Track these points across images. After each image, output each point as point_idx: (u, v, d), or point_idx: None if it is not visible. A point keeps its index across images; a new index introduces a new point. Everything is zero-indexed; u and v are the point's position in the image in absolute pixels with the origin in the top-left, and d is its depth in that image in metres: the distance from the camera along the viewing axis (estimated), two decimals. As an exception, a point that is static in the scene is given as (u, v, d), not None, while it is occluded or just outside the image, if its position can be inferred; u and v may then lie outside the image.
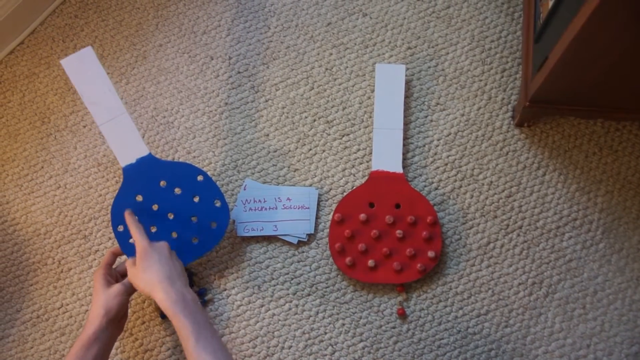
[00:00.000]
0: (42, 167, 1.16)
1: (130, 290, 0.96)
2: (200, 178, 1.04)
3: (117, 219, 1.02)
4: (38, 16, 1.23)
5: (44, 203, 1.14)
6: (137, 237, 0.94)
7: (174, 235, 1.03)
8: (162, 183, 1.03)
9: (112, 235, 1.11)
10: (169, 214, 1.03)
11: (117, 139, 1.02)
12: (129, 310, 1.07)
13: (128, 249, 1.02)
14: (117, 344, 1.06)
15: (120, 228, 1.02)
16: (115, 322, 0.94)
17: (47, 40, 1.23)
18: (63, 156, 1.16)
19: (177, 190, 1.04)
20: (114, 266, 1.01)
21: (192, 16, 1.23)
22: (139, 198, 1.02)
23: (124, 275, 1.00)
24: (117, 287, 0.94)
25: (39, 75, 1.21)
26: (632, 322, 1.03)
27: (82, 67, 1.01)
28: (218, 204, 1.04)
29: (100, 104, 1.01)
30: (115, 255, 1.02)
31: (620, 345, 1.03)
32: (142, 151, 1.02)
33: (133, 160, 1.02)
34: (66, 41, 1.23)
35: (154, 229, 1.03)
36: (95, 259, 1.11)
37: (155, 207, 1.03)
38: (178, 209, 1.03)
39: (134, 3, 1.24)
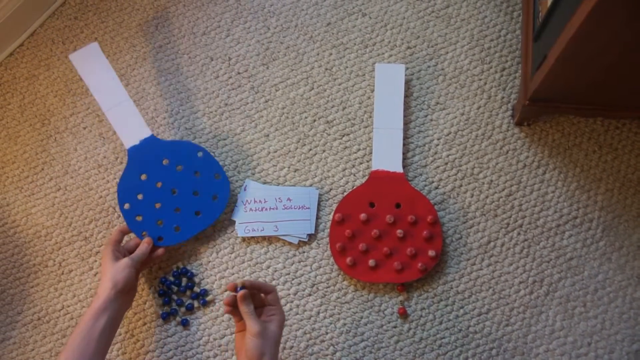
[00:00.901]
0: (43, 169, 1.16)
1: (138, 265, 1.00)
2: (200, 154, 1.10)
3: (123, 197, 1.08)
4: (37, 18, 1.23)
5: (45, 205, 1.14)
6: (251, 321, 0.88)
7: (178, 210, 1.08)
8: (165, 161, 1.09)
9: (113, 236, 1.12)
10: (172, 190, 1.09)
11: (122, 123, 1.09)
12: (131, 312, 1.08)
13: (134, 225, 1.07)
14: (118, 345, 1.06)
15: (127, 206, 1.07)
16: (124, 294, 0.96)
17: (47, 42, 1.23)
18: (63, 158, 1.16)
19: (179, 168, 1.09)
20: (122, 244, 1.05)
21: (192, 17, 1.23)
22: (144, 177, 1.09)
23: (131, 252, 1.03)
24: (124, 261, 0.98)
25: (38, 77, 1.21)
26: (633, 319, 1.04)
27: (89, 60, 1.10)
28: (218, 178, 1.09)
29: (106, 92, 1.09)
30: (123, 234, 1.05)
31: (621, 343, 1.03)
32: (145, 133, 1.09)
33: (137, 142, 1.09)
34: (66, 43, 1.23)
35: (158, 205, 1.08)
36: (96, 261, 1.11)
37: (159, 184, 1.09)
38: (181, 185, 1.09)
39: (133, 4, 1.25)
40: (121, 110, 1.09)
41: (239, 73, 1.20)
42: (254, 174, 1.13)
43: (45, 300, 1.09)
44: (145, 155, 1.09)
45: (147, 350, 1.06)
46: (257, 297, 0.90)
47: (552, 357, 1.02)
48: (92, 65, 1.10)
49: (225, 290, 1.08)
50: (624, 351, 1.02)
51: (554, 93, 1.01)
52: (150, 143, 1.09)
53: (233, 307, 0.88)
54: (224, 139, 1.16)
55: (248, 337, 0.84)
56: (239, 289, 0.87)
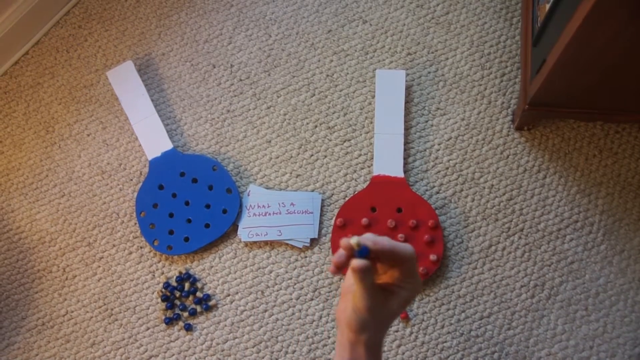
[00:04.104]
0: (47, 176, 1.17)
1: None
2: (215, 169, 1.14)
3: (141, 205, 1.13)
4: (42, 27, 1.24)
5: (49, 211, 1.15)
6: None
7: (189, 221, 1.11)
8: (182, 174, 1.13)
9: (117, 242, 1.12)
10: (186, 202, 1.12)
11: (147, 136, 1.16)
12: (134, 317, 1.08)
13: (147, 233, 1.11)
14: (122, 350, 1.07)
15: (143, 214, 1.13)
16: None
17: (51, 51, 1.24)
18: (67, 164, 1.18)
19: (195, 180, 1.13)
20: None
21: (194, 25, 1.25)
22: (162, 187, 1.14)
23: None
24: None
25: (43, 85, 1.22)
26: (635, 323, 1.04)
27: (123, 76, 1.19)
28: (230, 193, 1.12)
29: (135, 106, 1.18)
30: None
31: (623, 347, 1.03)
32: (167, 146, 1.15)
33: (158, 154, 1.15)
34: (70, 51, 1.24)
35: (172, 215, 1.12)
36: (99, 266, 1.11)
37: (174, 195, 1.13)
38: (194, 197, 1.13)
39: (136, 13, 1.26)
40: (147, 124, 1.16)
41: (241, 80, 1.21)
42: (256, 180, 1.14)
43: (49, 306, 1.10)
44: (165, 166, 1.14)
45: (150, 355, 1.06)
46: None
47: (554, 361, 1.03)
48: (125, 81, 1.19)
49: (227, 295, 1.08)
50: (625, 355, 1.02)
51: (553, 97, 1.02)
52: (170, 155, 1.15)
53: (343, 269, 0.63)
54: (226, 145, 1.17)
55: (352, 308, 0.64)
56: (357, 251, 0.60)
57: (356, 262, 0.59)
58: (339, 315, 0.67)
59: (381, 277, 0.66)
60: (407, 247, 0.62)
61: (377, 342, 0.66)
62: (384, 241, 0.61)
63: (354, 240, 0.59)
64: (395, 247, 0.62)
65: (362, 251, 0.59)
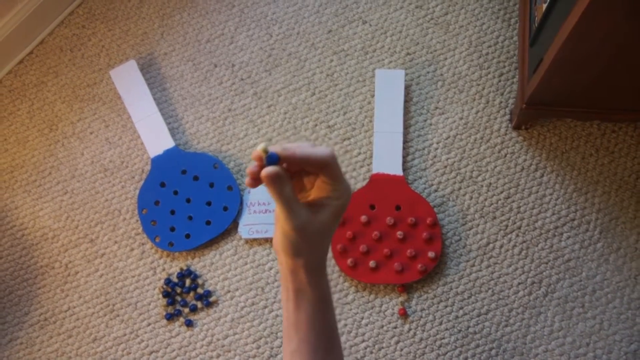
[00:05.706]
0: (50, 173, 1.18)
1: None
2: (216, 166, 1.16)
3: (142, 203, 1.14)
4: (46, 27, 1.26)
5: (52, 208, 1.16)
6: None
7: (190, 218, 1.13)
8: (184, 171, 1.15)
9: (118, 239, 1.14)
10: (187, 199, 1.14)
11: (149, 134, 1.18)
12: (135, 312, 1.09)
13: (149, 230, 1.12)
14: (123, 345, 1.08)
15: (145, 211, 1.14)
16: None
17: (56, 50, 1.26)
18: (70, 162, 1.19)
19: (196, 178, 1.15)
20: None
21: (196, 25, 1.26)
22: (163, 185, 1.15)
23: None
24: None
25: (47, 84, 1.24)
26: (631, 320, 1.05)
27: (126, 75, 1.21)
28: (230, 190, 1.13)
29: (138, 105, 1.19)
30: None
31: (619, 344, 1.04)
32: (169, 143, 1.17)
33: (161, 152, 1.16)
34: (74, 51, 1.26)
35: (173, 212, 1.13)
36: (101, 263, 1.13)
37: (176, 193, 1.14)
38: (196, 195, 1.14)
39: (139, 13, 1.28)
40: (149, 122, 1.18)
41: (242, 79, 1.22)
42: (256, 178, 1.15)
43: (51, 302, 1.11)
44: (167, 164, 1.16)
45: (151, 351, 1.08)
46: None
47: (551, 358, 1.03)
48: (128, 80, 1.20)
49: (228, 292, 1.10)
50: (622, 351, 1.03)
51: (550, 96, 1.03)
52: (172, 153, 1.16)
53: (259, 181, 0.55)
54: (228, 144, 1.18)
55: (281, 232, 0.58)
56: (266, 159, 0.54)
57: (264, 171, 0.53)
58: (274, 244, 0.61)
59: (310, 193, 0.60)
60: (323, 149, 0.55)
61: (318, 264, 0.61)
62: (294, 146, 0.55)
63: (260, 146, 0.53)
64: (309, 150, 0.55)
65: (271, 158, 0.53)
